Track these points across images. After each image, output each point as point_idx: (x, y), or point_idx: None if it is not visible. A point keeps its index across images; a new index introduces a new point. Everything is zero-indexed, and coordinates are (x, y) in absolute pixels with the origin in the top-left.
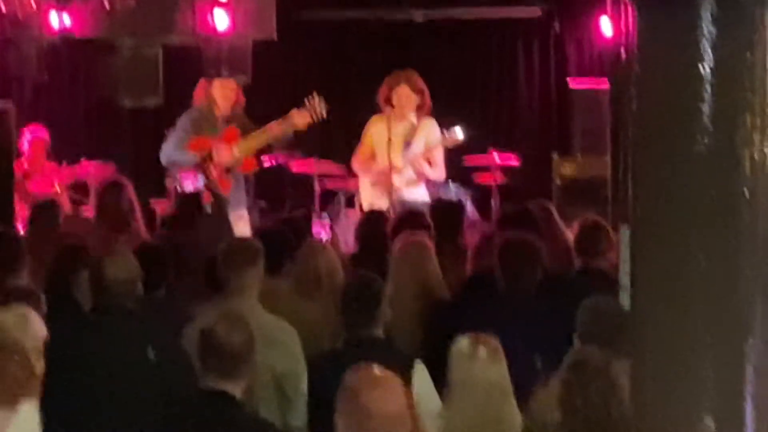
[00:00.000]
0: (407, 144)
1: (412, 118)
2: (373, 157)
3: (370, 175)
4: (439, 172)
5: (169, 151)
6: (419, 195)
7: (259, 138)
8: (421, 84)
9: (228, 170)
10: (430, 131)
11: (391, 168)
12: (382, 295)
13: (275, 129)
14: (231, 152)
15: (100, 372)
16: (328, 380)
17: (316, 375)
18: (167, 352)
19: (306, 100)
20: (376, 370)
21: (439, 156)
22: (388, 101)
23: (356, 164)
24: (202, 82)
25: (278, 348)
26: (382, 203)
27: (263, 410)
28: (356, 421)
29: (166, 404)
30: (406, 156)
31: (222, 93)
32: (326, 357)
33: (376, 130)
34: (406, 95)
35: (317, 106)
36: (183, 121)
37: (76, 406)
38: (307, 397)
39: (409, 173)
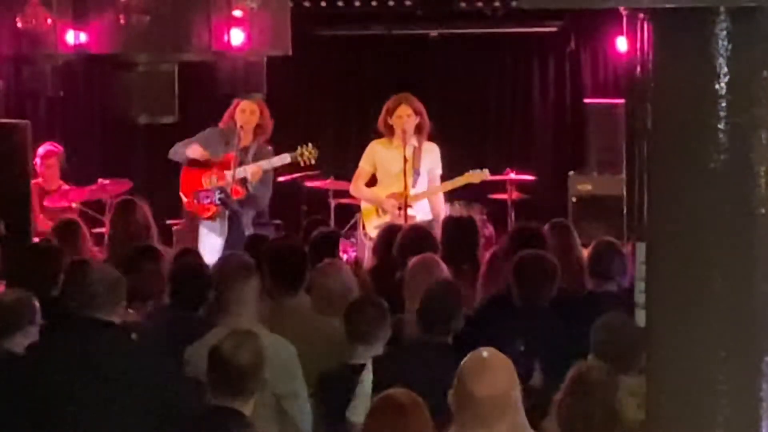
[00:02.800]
0: (416, 171)
1: (414, 141)
2: (374, 182)
3: (377, 201)
4: (442, 213)
5: (176, 147)
6: (423, 212)
7: (242, 171)
8: (419, 105)
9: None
10: (433, 160)
11: (407, 191)
12: (383, 312)
13: (263, 165)
14: (221, 177)
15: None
16: (337, 397)
17: (325, 393)
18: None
19: (299, 147)
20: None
21: (440, 200)
22: (389, 126)
23: (358, 191)
24: (235, 102)
25: (277, 367)
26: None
27: (265, 430)
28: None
29: (174, 422)
30: (417, 188)
31: (242, 117)
32: (334, 374)
33: (384, 156)
34: (407, 114)
35: (306, 157)
36: (203, 133)
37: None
38: (316, 414)
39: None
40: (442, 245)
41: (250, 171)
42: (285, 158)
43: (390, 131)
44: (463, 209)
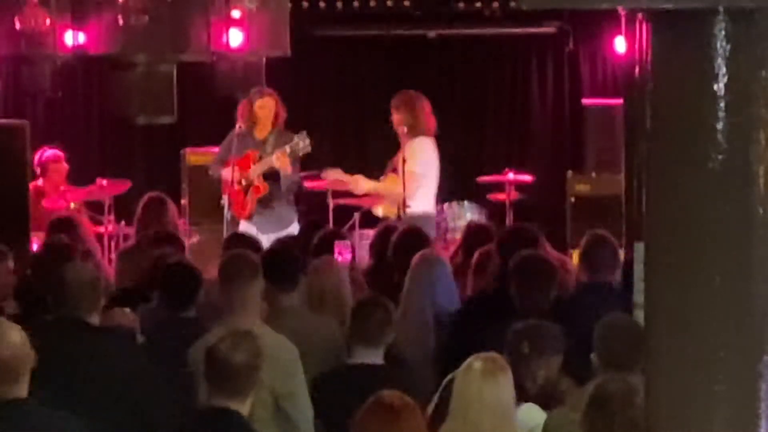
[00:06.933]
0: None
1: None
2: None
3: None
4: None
5: (213, 167)
6: (421, 207)
7: (263, 164)
8: (404, 111)
9: (246, 193)
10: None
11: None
12: (390, 315)
13: (277, 157)
14: (244, 176)
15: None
16: (333, 399)
17: (320, 393)
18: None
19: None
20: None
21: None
22: None
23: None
24: (243, 102)
25: (278, 367)
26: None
27: (263, 431)
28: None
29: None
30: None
31: (262, 113)
32: (331, 375)
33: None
34: (397, 123)
35: (300, 145)
36: (225, 140)
37: None
38: (314, 416)
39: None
40: (463, 250)
41: (275, 160)
42: (303, 136)
43: None
44: (461, 209)
